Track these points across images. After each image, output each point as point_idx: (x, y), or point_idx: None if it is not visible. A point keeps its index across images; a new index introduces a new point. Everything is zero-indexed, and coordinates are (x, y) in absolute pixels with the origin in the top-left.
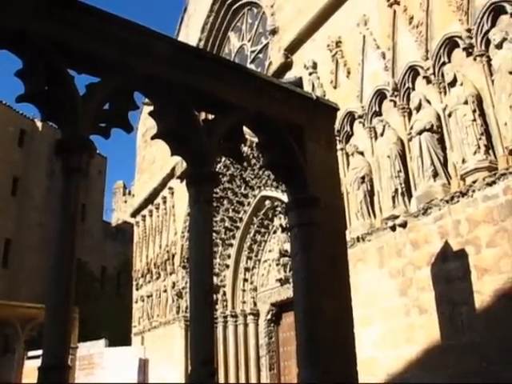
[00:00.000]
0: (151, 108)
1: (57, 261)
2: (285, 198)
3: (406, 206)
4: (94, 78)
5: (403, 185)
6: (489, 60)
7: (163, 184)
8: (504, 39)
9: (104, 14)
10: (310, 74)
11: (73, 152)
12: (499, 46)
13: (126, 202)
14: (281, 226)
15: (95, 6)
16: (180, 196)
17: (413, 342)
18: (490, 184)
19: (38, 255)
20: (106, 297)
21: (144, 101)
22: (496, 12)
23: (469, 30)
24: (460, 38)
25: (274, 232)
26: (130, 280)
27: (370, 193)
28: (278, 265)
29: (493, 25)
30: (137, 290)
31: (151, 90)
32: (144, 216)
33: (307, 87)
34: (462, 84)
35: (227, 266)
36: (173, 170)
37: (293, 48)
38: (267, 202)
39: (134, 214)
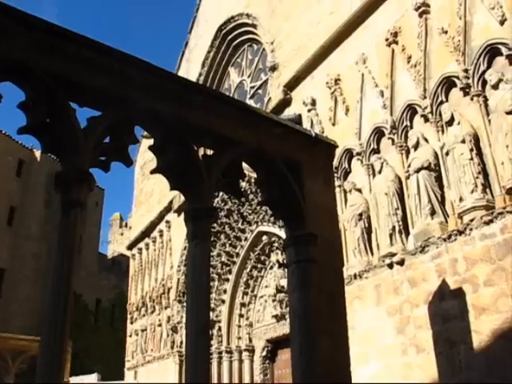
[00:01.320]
0: (150, 141)
1: (52, 294)
2: (282, 233)
3: (403, 244)
4: (95, 112)
5: (401, 222)
6: (485, 100)
7: (160, 217)
8: (500, 80)
9: (105, 48)
10: (309, 110)
11: (72, 185)
12: (495, 87)
13: (122, 234)
14: (278, 261)
15: (96, 40)
16: (177, 230)
17: (410, 381)
18: (487, 223)
19: (32, 286)
20: (100, 330)
21: (143, 134)
22: (492, 53)
23: (466, 71)
24: (457, 77)
25: (271, 268)
26: (125, 313)
27: (368, 230)
28: (274, 301)
29: (489, 66)
30: (131, 323)
31: (151, 125)
32: (140, 249)
33: (306, 124)
34: (459, 123)
35: (223, 301)
36: (170, 203)
37: (292, 85)
38: (264, 238)
39: (130, 247)
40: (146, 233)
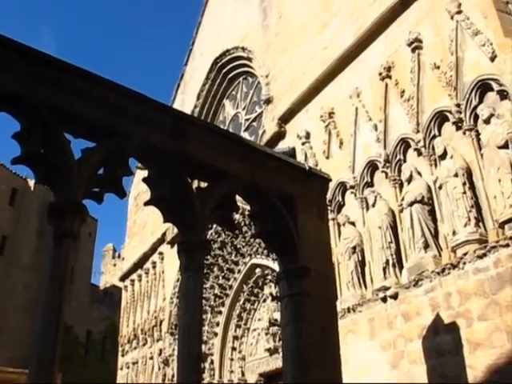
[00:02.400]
0: (145, 172)
1: (42, 325)
2: (276, 266)
3: (397, 278)
4: (89, 143)
5: (394, 256)
6: (478, 134)
7: (153, 249)
8: (491, 115)
9: (100, 79)
10: (303, 143)
11: (65, 216)
12: (487, 121)
13: (115, 265)
14: (271, 294)
15: (92, 72)
16: (170, 261)
17: None
18: (480, 256)
19: (22, 317)
20: (91, 362)
21: (138, 165)
22: (483, 89)
23: (458, 105)
24: (450, 112)
25: (264, 300)
26: (116, 346)
27: (361, 263)
28: (267, 334)
29: (480, 101)
30: (122, 356)
31: (146, 157)
32: (133, 280)
33: (300, 157)
34: (452, 157)
35: (215, 334)
36: (164, 234)
37: (286, 118)
38: (258, 270)
39: (122, 278)
40: (139, 264)
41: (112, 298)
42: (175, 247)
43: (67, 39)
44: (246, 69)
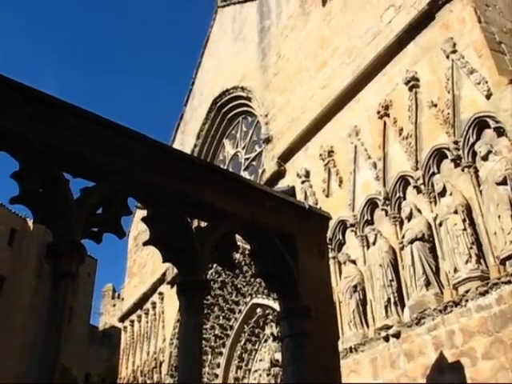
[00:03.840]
0: (144, 211)
1: (39, 367)
2: (276, 306)
3: (399, 316)
4: (88, 182)
5: (396, 294)
6: (476, 171)
7: (153, 289)
8: (489, 152)
9: (100, 119)
10: (303, 182)
11: (63, 256)
12: (485, 158)
13: (114, 305)
14: (272, 334)
15: (92, 112)
16: (170, 301)
17: None
18: (482, 294)
19: (20, 358)
20: None
21: (137, 204)
22: (480, 126)
23: (456, 142)
24: (448, 149)
25: (265, 341)
26: None
27: (363, 302)
28: (268, 375)
29: (478, 138)
30: None
31: (145, 197)
32: (132, 321)
33: (300, 196)
34: (451, 194)
35: (216, 376)
36: (164, 274)
37: (286, 156)
38: (258, 310)
39: (122, 319)
40: (139, 304)
41: (111, 340)
42: (175, 287)
43: (70, 80)
44: (245, 108)
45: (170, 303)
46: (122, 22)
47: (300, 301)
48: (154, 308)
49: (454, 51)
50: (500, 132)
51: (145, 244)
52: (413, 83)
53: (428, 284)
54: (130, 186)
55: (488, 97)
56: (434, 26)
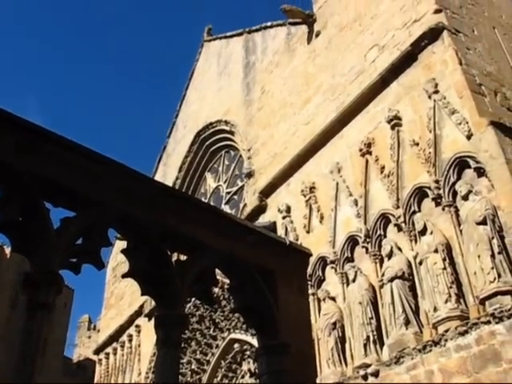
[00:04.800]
0: (124, 242)
1: None
2: (254, 341)
3: (378, 355)
4: (69, 212)
5: (375, 332)
6: (456, 210)
7: (130, 321)
8: (469, 191)
9: (82, 149)
10: (284, 217)
11: (40, 287)
12: (465, 198)
13: (90, 337)
14: (249, 370)
15: (74, 141)
16: (147, 334)
17: None
18: (462, 333)
19: None
20: None
21: (117, 235)
22: (461, 166)
23: (437, 181)
24: (429, 188)
25: (242, 377)
26: None
27: (342, 339)
28: None
29: (459, 177)
30: None
31: (125, 228)
32: (108, 354)
33: (280, 231)
34: (431, 233)
35: None
36: (141, 307)
37: (268, 191)
38: (236, 346)
39: (97, 351)
40: (115, 337)
41: (85, 372)
42: (152, 320)
43: (53, 106)
44: (228, 142)
45: (146, 336)
46: (108, 52)
47: (279, 337)
48: (130, 341)
49: (436, 91)
50: (480, 172)
51: (124, 276)
52: (395, 122)
53: (407, 323)
54: (110, 216)
55: (469, 137)
56: (417, 66)
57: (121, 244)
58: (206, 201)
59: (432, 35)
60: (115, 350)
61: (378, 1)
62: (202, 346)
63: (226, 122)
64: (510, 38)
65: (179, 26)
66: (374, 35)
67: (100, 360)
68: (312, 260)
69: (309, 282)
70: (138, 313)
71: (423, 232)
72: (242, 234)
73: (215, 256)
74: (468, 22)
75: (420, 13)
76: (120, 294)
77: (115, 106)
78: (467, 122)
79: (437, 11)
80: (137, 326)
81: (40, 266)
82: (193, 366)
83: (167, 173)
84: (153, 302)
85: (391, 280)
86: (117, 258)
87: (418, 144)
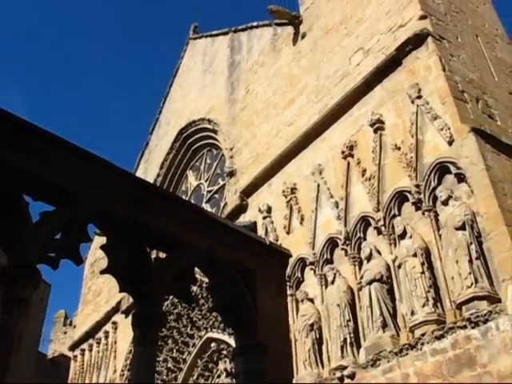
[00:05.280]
0: (103, 238)
1: None
2: (231, 341)
3: (354, 357)
4: (49, 206)
5: (352, 334)
6: (436, 215)
7: (107, 318)
8: (449, 197)
9: (64, 143)
10: (264, 217)
11: (17, 281)
12: (445, 203)
13: (65, 333)
14: (225, 370)
15: (56, 135)
16: (123, 331)
17: None
18: (438, 337)
19: None
20: None
21: (96, 230)
22: (442, 171)
23: (417, 186)
24: (409, 192)
25: (219, 376)
26: None
27: (319, 341)
28: None
29: (439, 182)
30: None
31: (105, 224)
32: (83, 350)
33: (261, 231)
34: (411, 237)
35: None
36: (118, 303)
37: (249, 191)
38: (213, 345)
39: (72, 347)
40: (91, 333)
41: (60, 368)
42: (130, 317)
43: (38, 103)
44: (210, 141)
45: (123, 333)
46: (92, 47)
47: (256, 337)
48: (106, 338)
49: (419, 97)
50: (460, 178)
51: (102, 272)
52: (378, 125)
53: (385, 326)
54: (90, 212)
55: (450, 143)
56: (401, 71)
57: (100, 240)
58: (187, 199)
59: (417, 41)
60: (91, 346)
61: (364, 5)
62: (179, 344)
63: (209, 121)
64: (492, 46)
65: (165, 22)
66: (359, 39)
67: (75, 356)
68: (291, 261)
69: (287, 283)
70: (115, 309)
71: (403, 236)
72: (223, 233)
73: (195, 254)
74: (452, 29)
75: (405, 18)
76: (97, 290)
77: (98, 101)
78: (449, 128)
79: (422, 17)
80: (113, 323)
81: (17, 259)
82: (169, 365)
83: (149, 169)
84: (130, 299)
85: (370, 283)
86: (95, 254)
87: (399, 148)
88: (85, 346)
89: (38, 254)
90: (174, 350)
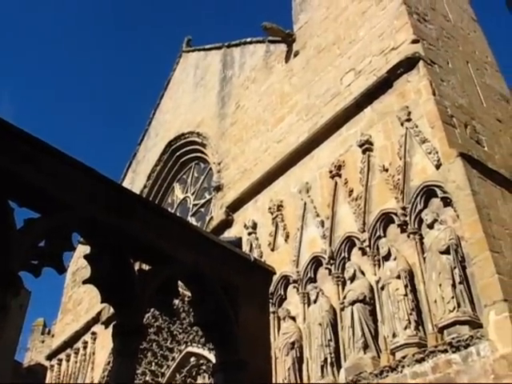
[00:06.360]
0: (86, 247)
1: None
2: (211, 356)
3: (334, 377)
4: (34, 213)
5: (333, 354)
6: (421, 238)
7: (86, 328)
8: (435, 220)
9: (51, 149)
10: (250, 233)
11: None
12: (431, 226)
13: (43, 341)
14: None
15: (43, 141)
16: (102, 342)
17: None
18: (419, 361)
19: None
20: None
21: (80, 239)
22: (428, 194)
23: (404, 208)
24: (395, 214)
25: None
26: None
27: (299, 360)
28: None
29: (425, 205)
30: None
31: (89, 233)
32: (60, 360)
33: (245, 247)
34: (395, 258)
35: None
36: (99, 314)
37: (235, 206)
38: (192, 359)
39: (49, 357)
40: (69, 343)
41: (35, 378)
42: (109, 328)
43: (27, 107)
44: (198, 154)
45: (102, 344)
46: (85, 54)
47: (237, 354)
48: (84, 348)
49: (409, 119)
50: (446, 202)
51: (84, 282)
52: (366, 146)
53: (366, 347)
54: (75, 220)
55: (438, 167)
56: (392, 93)
57: (83, 248)
58: (173, 211)
59: (408, 64)
60: (68, 356)
61: (357, 26)
62: (158, 357)
63: (198, 134)
64: (482, 73)
65: (158, 34)
66: (351, 59)
67: (52, 366)
68: (275, 278)
69: (270, 300)
70: (95, 319)
71: (387, 257)
72: (208, 247)
73: (179, 268)
74: (443, 54)
75: (398, 41)
76: (78, 300)
77: (88, 109)
78: (437, 152)
79: (414, 41)
80: (93, 333)
81: None
82: (147, 378)
83: (135, 180)
84: (111, 310)
85: (352, 303)
86: (78, 263)
87: (387, 170)
88: (62, 355)
89: (21, 261)
90: (153, 364)
